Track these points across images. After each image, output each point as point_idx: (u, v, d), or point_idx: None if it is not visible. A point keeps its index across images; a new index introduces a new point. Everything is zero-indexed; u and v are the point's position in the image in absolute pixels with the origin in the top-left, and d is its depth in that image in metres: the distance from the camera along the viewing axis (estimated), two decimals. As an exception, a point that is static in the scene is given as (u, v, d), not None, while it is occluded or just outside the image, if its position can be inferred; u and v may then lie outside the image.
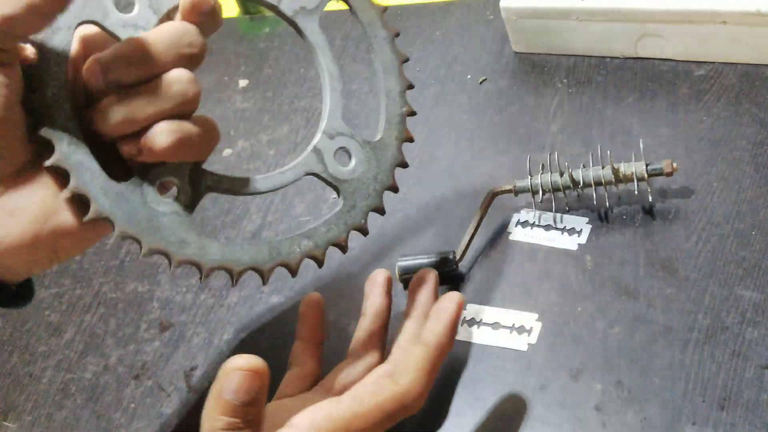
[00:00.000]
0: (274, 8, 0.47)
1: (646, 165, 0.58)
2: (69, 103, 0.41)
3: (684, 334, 0.52)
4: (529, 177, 0.60)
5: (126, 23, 0.42)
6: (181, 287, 0.65)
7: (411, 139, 0.49)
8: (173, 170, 0.43)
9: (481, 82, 0.74)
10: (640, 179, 0.58)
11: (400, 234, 0.63)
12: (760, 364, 0.49)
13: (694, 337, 0.52)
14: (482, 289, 0.58)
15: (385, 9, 0.49)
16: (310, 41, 0.47)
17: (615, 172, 0.58)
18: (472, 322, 0.56)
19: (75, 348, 0.64)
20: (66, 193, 0.40)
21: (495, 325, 0.56)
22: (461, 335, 0.56)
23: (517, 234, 0.61)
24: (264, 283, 0.45)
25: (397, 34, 0.49)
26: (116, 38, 0.42)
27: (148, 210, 0.42)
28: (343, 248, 0.47)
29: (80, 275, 0.68)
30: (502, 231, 0.61)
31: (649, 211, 0.59)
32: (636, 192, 0.58)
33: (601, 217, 0.60)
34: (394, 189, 0.49)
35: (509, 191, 0.60)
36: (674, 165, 0.57)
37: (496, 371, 0.53)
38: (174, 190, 0.43)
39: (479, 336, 0.55)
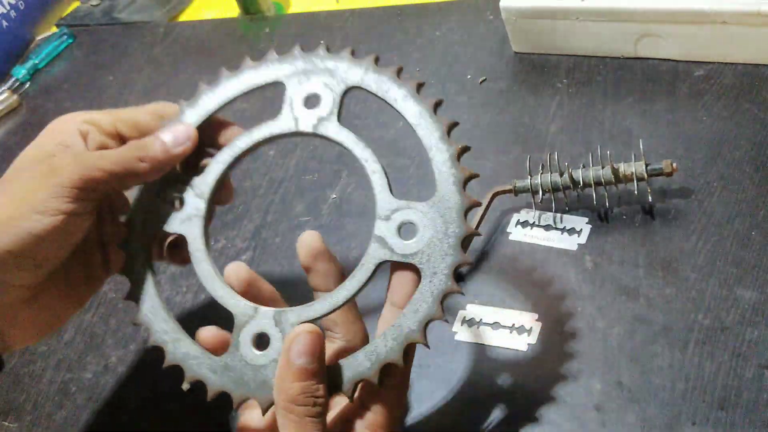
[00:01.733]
0: (295, 134, 0.48)
1: (646, 165, 0.58)
2: (164, 309, 0.47)
3: (684, 334, 0.52)
4: (529, 177, 0.60)
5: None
6: (182, 287, 0.65)
7: (473, 176, 0.45)
8: (261, 324, 0.45)
9: (481, 82, 0.74)
10: (640, 179, 0.58)
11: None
12: (760, 364, 0.49)
13: (694, 337, 0.51)
14: (482, 289, 0.58)
15: (400, 69, 0.47)
16: (337, 141, 0.47)
17: (615, 172, 0.58)
18: (472, 322, 0.56)
19: (75, 348, 0.64)
20: (186, 385, 0.46)
21: (495, 325, 0.56)
22: (461, 335, 0.56)
23: (516, 234, 0.61)
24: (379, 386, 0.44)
25: (420, 86, 0.47)
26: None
27: (252, 369, 0.45)
28: (441, 319, 0.43)
29: (80, 275, 0.68)
30: (502, 231, 0.61)
31: (649, 211, 0.59)
32: (636, 192, 0.58)
33: (601, 217, 0.60)
34: (474, 234, 0.44)
35: (509, 191, 0.60)
36: (674, 165, 0.57)
37: (496, 371, 0.53)
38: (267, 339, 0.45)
39: (479, 336, 0.55)
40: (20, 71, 0.96)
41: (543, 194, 0.60)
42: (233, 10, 0.94)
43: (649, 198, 0.59)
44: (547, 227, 0.60)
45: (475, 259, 0.60)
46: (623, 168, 0.58)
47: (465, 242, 0.44)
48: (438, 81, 0.75)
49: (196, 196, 0.48)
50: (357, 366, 0.43)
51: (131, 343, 0.63)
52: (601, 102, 0.68)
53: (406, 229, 0.45)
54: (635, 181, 0.58)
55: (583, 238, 0.59)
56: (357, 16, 0.84)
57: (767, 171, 0.59)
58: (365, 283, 0.45)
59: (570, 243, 0.59)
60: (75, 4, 1.09)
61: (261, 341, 0.45)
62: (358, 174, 0.70)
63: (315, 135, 0.48)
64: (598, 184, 0.58)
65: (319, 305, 0.45)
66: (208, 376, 0.45)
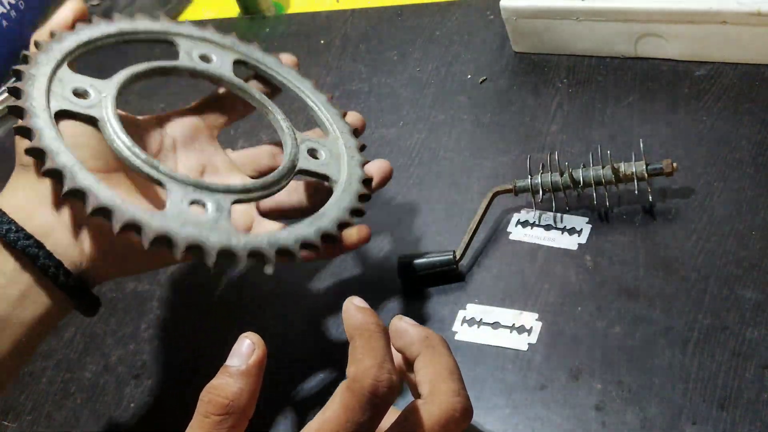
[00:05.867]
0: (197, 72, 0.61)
1: (646, 165, 0.58)
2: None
3: (684, 334, 0.52)
4: (529, 177, 0.60)
5: (88, 106, 0.51)
6: (182, 287, 0.65)
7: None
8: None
9: (481, 82, 0.74)
10: (640, 179, 0.58)
11: (400, 233, 0.63)
12: (760, 364, 0.49)
13: (694, 337, 0.52)
14: (482, 289, 0.58)
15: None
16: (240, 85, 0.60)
17: (615, 171, 0.58)
18: (472, 322, 0.56)
19: (75, 348, 0.64)
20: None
21: (495, 325, 0.56)
22: (461, 335, 0.56)
23: (517, 234, 0.61)
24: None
25: (332, 97, 0.59)
26: (89, 119, 0.50)
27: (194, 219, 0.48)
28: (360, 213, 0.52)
29: (80, 275, 0.68)
30: (502, 231, 0.61)
31: (649, 211, 0.59)
32: (636, 192, 0.58)
33: (601, 217, 0.60)
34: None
35: (509, 191, 0.60)
36: (674, 165, 0.57)
37: (496, 371, 0.53)
38: None
39: (479, 336, 0.55)
40: (20, 71, 0.96)
41: (543, 194, 0.60)
42: (233, 10, 0.94)
43: (650, 198, 0.59)
44: (548, 227, 0.60)
45: (475, 259, 0.60)
46: (623, 168, 0.58)
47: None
48: (438, 81, 0.75)
49: (98, 92, 0.52)
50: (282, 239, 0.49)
51: (131, 343, 0.63)
52: (601, 102, 0.68)
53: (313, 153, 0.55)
54: (635, 181, 0.58)
55: (583, 238, 0.59)
56: (357, 15, 0.84)
57: (767, 171, 0.59)
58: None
59: (570, 243, 0.59)
60: (75, 4, 1.09)
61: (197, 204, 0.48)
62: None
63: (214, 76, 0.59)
64: (598, 183, 0.58)
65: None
66: (144, 219, 0.45)
